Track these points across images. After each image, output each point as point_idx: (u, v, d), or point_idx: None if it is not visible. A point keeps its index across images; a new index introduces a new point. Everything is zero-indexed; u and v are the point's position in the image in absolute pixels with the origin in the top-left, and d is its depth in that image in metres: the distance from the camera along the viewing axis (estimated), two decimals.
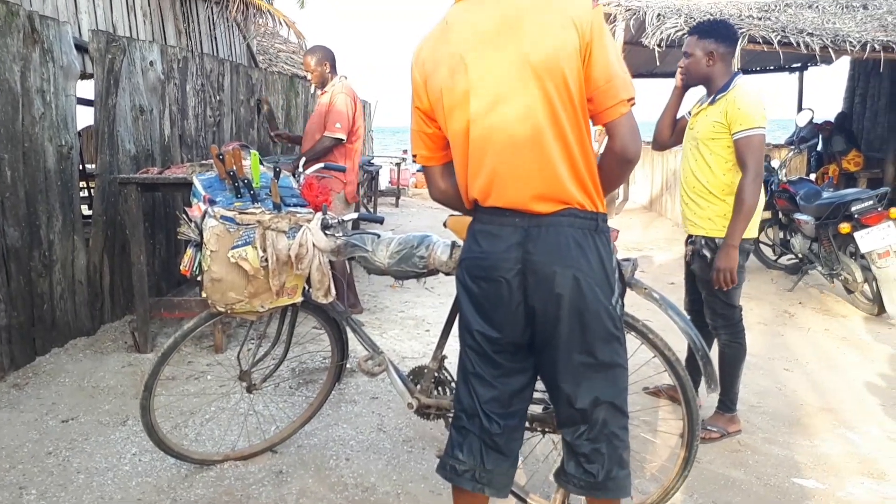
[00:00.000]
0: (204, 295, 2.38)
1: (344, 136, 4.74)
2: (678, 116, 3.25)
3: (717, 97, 2.91)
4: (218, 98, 6.26)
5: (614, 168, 1.73)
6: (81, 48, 4.68)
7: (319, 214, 2.38)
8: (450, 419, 2.37)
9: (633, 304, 2.42)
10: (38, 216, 3.92)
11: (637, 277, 2.20)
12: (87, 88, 5.03)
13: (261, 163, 2.45)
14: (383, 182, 13.84)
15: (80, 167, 6.51)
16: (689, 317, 2.27)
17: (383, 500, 2.57)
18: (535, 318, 1.70)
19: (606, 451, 1.77)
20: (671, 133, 3.25)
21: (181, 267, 2.46)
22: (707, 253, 2.97)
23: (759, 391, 3.62)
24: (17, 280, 3.75)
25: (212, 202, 2.35)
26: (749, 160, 2.81)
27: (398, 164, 12.87)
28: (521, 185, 1.67)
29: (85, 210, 5.51)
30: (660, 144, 3.33)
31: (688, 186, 3.07)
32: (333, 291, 2.41)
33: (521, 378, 1.81)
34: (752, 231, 2.96)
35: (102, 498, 2.57)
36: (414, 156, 1.90)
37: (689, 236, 3.13)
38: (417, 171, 15.69)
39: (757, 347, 4.19)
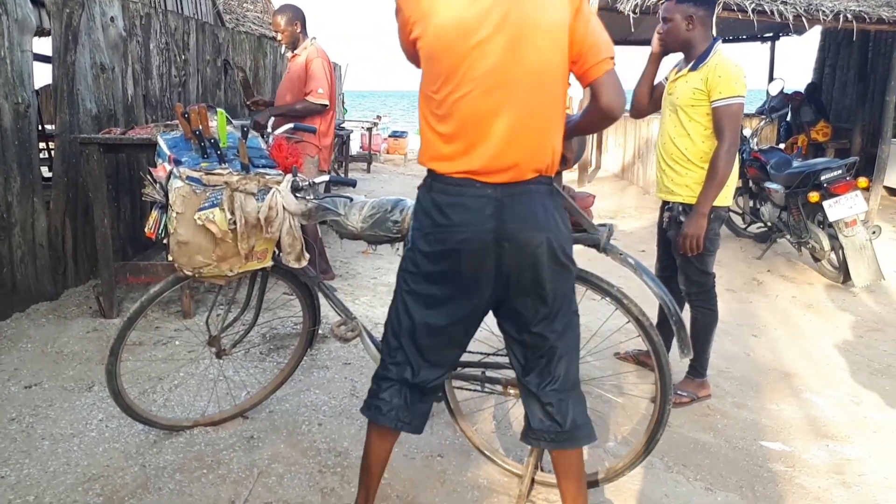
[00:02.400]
0: (170, 258, 2.31)
1: (328, 102, 4.64)
2: (655, 83, 3.22)
3: (699, 64, 2.88)
4: (183, 57, 6.06)
5: (596, 123, 1.81)
6: (38, 2, 4.47)
7: (289, 177, 2.31)
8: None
9: (606, 270, 2.41)
10: None
11: (612, 243, 2.18)
12: (44, 45, 4.82)
13: (228, 122, 2.37)
14: (354, 147, 13.67)
15: (39, 127, 6.30)
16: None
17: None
18: (507, 282, 1.75)
19: (571, 398, 1.88)
20: (649, 100, 3.22)
21: (146, 229, 2.38)
22: (684, 219, 2.97)
23: (728, 356, 3.67)
24: None
25: (177, 162, 2.26)
26: (726, 128, 2.80)
27: (370, 129, 12.68)
28: (517, 152, 1.69)
29: (45, 172, 5.34)
30: (637, 112, 3.30)
31: (665, 153, 3.05)
32: (306, 256, 2.35)
33: (451, 338, 1.86)
34: (726, 199, 2.97)
35: (68, 464, 2.51)
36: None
37: (666, 203, 3.12)
38: (389, 136, 15.53)
39: (725, 314, 4.24)
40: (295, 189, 2.32)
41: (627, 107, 3.41)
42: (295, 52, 4.79)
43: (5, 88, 3.82)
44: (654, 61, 3.12)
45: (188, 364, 3.35)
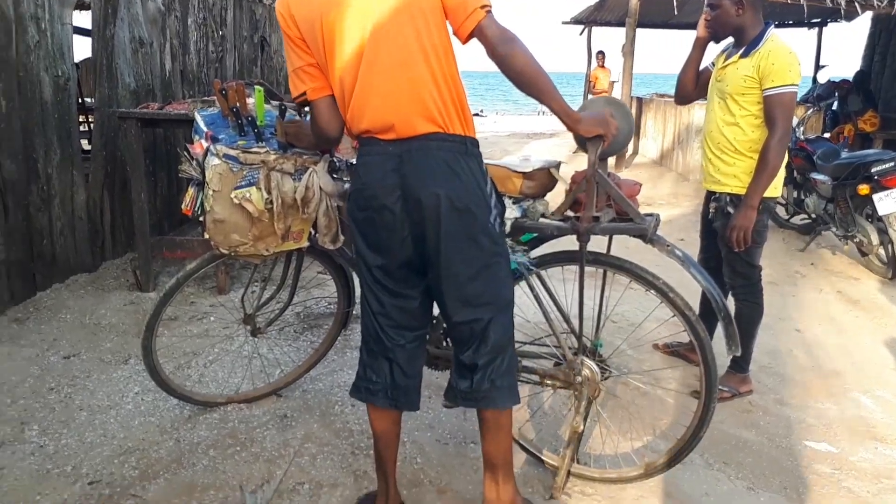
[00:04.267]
0: (206, 236, 2.29)
1: None
2: (701, 68, 3.11)
3: (751, 50, 2.75)
4: (220, 33, 6.06)
5: (511, 76, 1.74)
6: None
7: (327, 156, 2.26)
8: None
9: (648, 260, 2.34)
10: (36, 149, 3.80)
11: (660, 234, 2.10)
12: (84, 19, 4.84)
13: (266, 101, 2.33)
14: None
15: (80, 100, 6.37)
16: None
17: None
18: (422, 241, 1.78)
19: (490, 363, 1.87)
20: (695, 86, 3.10)
21: (183, 206, 2.37)
22: (732, 210, 2.86)
23: (770, 351, 3.56)
24: (14, 214, 3.65)
25: (214, 139, 2.24)
26: (778, 118, 2.68)
27: None
28: (392, 108, 1.72)
29: (84, 145, 5.39)
30: (683, 98, 3.18)
31: (712, 142, 2.94)
32: (342, 237, 2.31)
33: (414, 302, 1.91)
34: (776, 190, 2.85)
35: (105, 436, 2.53)
36: (298, 97, 1.88)
37: (712, 193, 3.01)
38: None
39: (767, 307, 4.06)
40: (332, 170, 2.28)
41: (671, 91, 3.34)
42: None
43: (46, 61, 3.84)
44: (700, 47, 2.99)
45: (223, 341, 3.36)
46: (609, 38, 13.03)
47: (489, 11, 1.71)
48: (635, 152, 11.39)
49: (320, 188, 2.24)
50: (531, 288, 2.23)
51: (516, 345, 2.31)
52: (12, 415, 2.65)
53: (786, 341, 3.74)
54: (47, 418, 2.64)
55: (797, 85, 2.69)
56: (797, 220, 6.13)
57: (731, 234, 2.79)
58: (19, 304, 3.71)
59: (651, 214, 2.11)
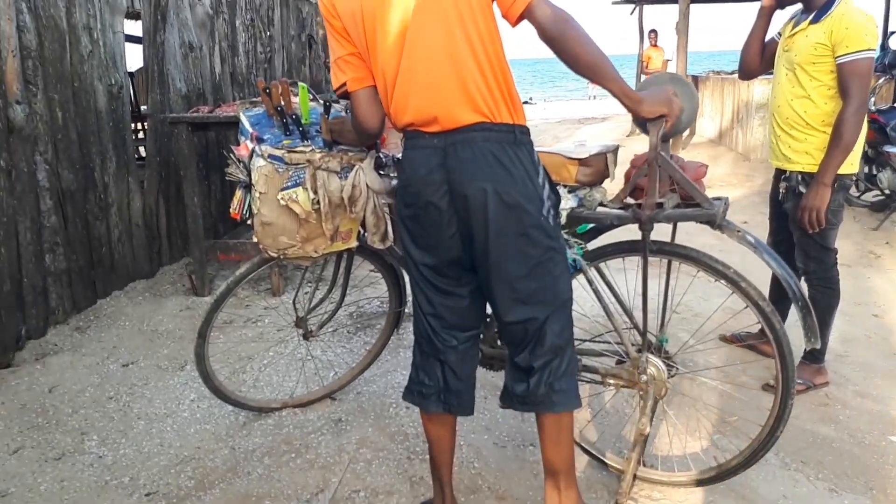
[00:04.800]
0: (255, 239, 2.25)
1: None
2: (766, 39, 2.91)
3: (822, 15, 2.56)
4: (268, 33, 6.09)
5: (566, 59, 1.63)
6: None
7: (373, 153, 2.19)
8: None
9: (708, 246, 2.19)
10: (92, 158, 3.86)
11: (729, 219, 1.96)
12: (135, 27, 4.90)
13: (311, 98, 2.27)
14: None
15: (136, 108, 6.50)
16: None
17: None
18: (470, 238, 1.70)
19: (547, 364, 1.78)
20: (761, 59, 2.91)
21: (231, 210, 2.34)
22: (804, 190, 2.68)
23: (847, 339, 3.34)
24: (74, 223, 3.72)
25: (259, 140, 2.19)
26: (853, 87, 2.48)
27: None
28: (435, 99, 1.65)
29: (142, 152, 5.49)
30: (748, 72, 2.99)
31: (781, 117, 2.75)
32: (391, 236, 2.24)
33: (464, 301, 1.83)
34: (852, 166, 2.66)
35: (162, 445, 2.54)
36: (338, 88, 1.83)
37: (782, 172, 2.83)
38: None
39: (841, 291, 3.88)
40: (379, 166, 2.21)
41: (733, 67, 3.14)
42: None
43: (99, 70, 3.89)
44: (765, 16, 2.81)
45: (277, 344, 3.34)
46: (661, 17, 12.63)
47: None
48: (693, 132, 11.01)
49: (367, 186, 2.17)
50: (589, 282, 2.11)
51: (575, 343, 2.22)
52: (73, 425, 2.69)
53: (863, 327, 3.51)
54: (106, 428, 2.66)
55: (874, 50, 2.49)
56: (870, 196, 5.79)
57: (804, 215, 2.61)
58: (81, 312, 3.78)
59: (720, 198, 1.97)
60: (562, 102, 27.12)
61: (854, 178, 2.71)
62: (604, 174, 2.05)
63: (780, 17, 2.86)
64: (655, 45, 12.00)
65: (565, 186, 2.05)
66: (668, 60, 11.65)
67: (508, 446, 2.47)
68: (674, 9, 9.50)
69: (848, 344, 3.30)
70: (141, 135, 6.63)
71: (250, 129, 2.25)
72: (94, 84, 3.86)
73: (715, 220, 1.87)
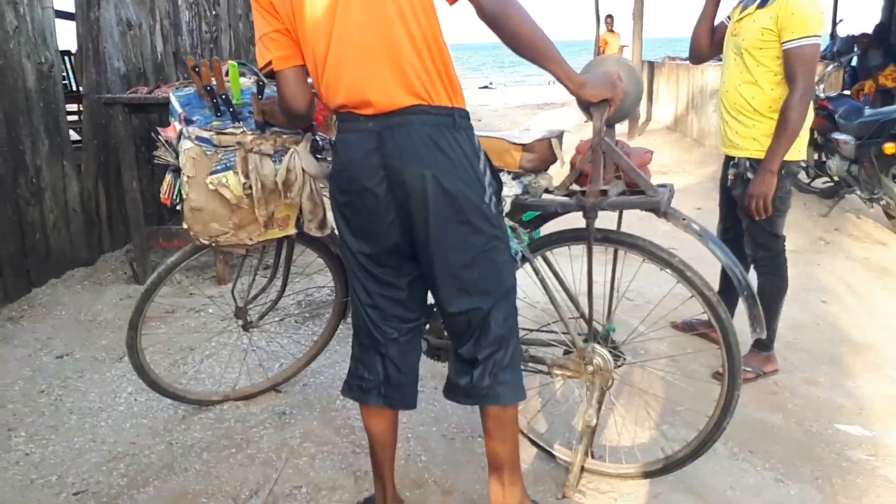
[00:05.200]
0: (185, 226, 2.14)
1: None
2: (716, 23, 2.89)
3: (769, 1, 2.53)
4: (214, 12, 5.88)
5: (505, 39, 1.56)
6: None
7: (309, 136, 2.09)
8: None
9: (663, 232, 2.15)
10: (21, 140, 3.66)
11: (674, 206, 1.92)
12: (69, 4, 4.67)
13: (252, 76, 2.15)
14: None
15: (77, 88, 6.22)
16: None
17: None
18: (409, 226, 1.63)
19: (492, 356, 1.72)
20: (710, 43, 2.88)
21: (161, 194, 2.22)
22: (752, 176, 2.66)
23: (796, 325, 3.37)
24: (3, 209, 3.53)
25: (188, 121, 2.07)
26: (799, 73, 2.46)
27: None
28: (368, 80, 1.56)
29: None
30: (697, 56, 2.96)
31: (729, 103, 2.73)
32: (330, 223, 2.15)
33: (404, 292, 1.76)
34: (799, 153, 2.65)
35: (94, 441, 2.42)
36: (263, 68, 1.71)
37: (731, 158, 2.81)
38: None
39: (790, 278, 3.92)
40: (315, 150, 2.11)
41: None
42: None
43: (27, 47, 3.69)
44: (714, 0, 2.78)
45: (220, 334, 3.22)
46: (617, 2, 12.64)
47: None
48: (648, 118, 11.09)
49: (303, 170, 2.08)
50: (535, 271, 2.06)
51: (521, 332, 2.17)
52: (0, 421, 2.54)
53: (812, 314, 3.54)
54: (35, 423, 2.53)
55: (819, 37, 2.47)
56: (819, 183, 5.88)
57: (751, 201, 2.60)
58: (14, 301, 3.60)
59: (664, 185, 1.93)
60: (522, 87, 27.14)
61: (802, 165, 2.70)
62: (549, 160, 1.99)
63: (730, 1, 2.84)
64: (612, 31, 12.03)
65: (509, 173, 1.98)
66: (623, 46, 11.69)
67: (457, 438, 2.41)
68: None
69: (797, 331, 3.33)
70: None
71: (179, 110, 2.13)
72: (21, 62, 3.65)
73: (659, 207, 1.82)
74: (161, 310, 3.53)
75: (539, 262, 2.07)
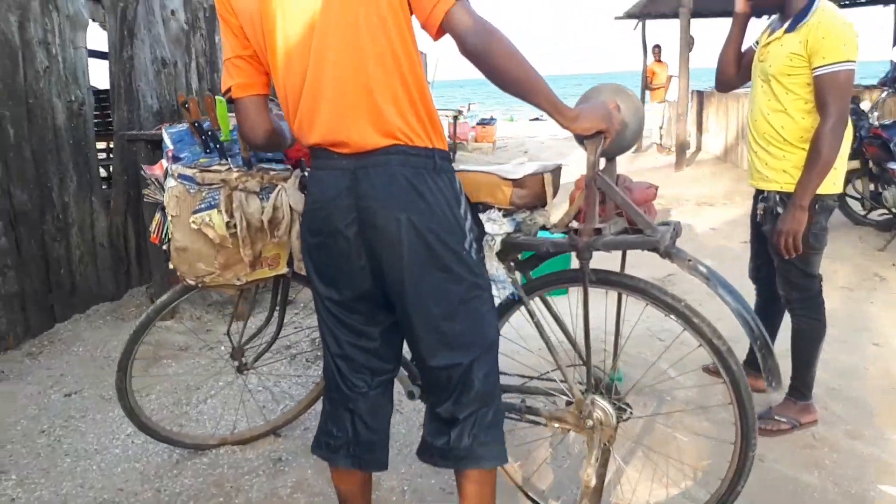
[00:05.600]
0: (171, 266, 2.08)
1: None
2: (744, 48, 2.71)
3: (798, 23, 2.35)
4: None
5: (491, 76, 1.43)
6: None
7: (297, 171, 2.01)
8: None
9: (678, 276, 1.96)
10: (49, 177, 3.72)
11: (679, 246, 1.75)
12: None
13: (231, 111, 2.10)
14: None
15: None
16: (748, 300, 1.80)
17: (386, 498, 2.25)
18: (382, 273, 1.52)
19: (473, 414, 1.60)
20: (737, 69, 2.70)
21: (150, 233, 2.17)
22: (781, 211, 2.46)
23: (841, 371, 3.09)
24: (28, 244, 3.57)
25: (175, 158, 2.02)
26: (831, 101, 2.27)
27: (455, 118, 12.37)
28: (344, 120, 1.46)
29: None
30: (723, 83, 2.79)
31: (757, 132, 2.54)
32: None
33: (375, 342, 1.64)
34: (834, 185, 2.43)
35: (83, 486, 2.35)
36: (226, 91, 1.63)
37: (759, 192, 2.61)
38: (477, 124, 15.18)
39: (840, 317, 3.64)
40: (304, 186, 2.03)
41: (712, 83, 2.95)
42: None
43: (58, 87, 3.77)
44: (740, 23, 2.61)
45: (221, 375, 3.14)
46: (665, 32, 12.43)
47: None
48: (698, 149, 10.78)
49: (291, 208, 1.99)
50: (530, 314, 1.91)
51: (520, 380, 2.03)
52: None
53: (861, 358, 3.26)
54: (29, 466, 2.48)
55: (853, 62, 2.27)
56: (875, 215, 5.53)
57: (780, 239, 2.39)
58: (35, 336, 3.63)
59: (667, 223, 1.76)
60: None
61: (853, 195, 2.48)
62: (542, 196, 1.85)
63: (759, 25, 2.67)
64: (659, 61, 11.81)
65: (500, 209, 1.85)
66: (672, 76, 11.45)
67: (455, 493, 2.25)
68: (678, 23, 9.30)
69: (842, 377, 3.06)
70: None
71: (169, 146, 2.08)
72: (52, 101, 3.73)
73: (658, 247, 1.66)
74: (175, 345, 3.49)
75: (536, 304, 1.92)
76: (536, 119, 28.40)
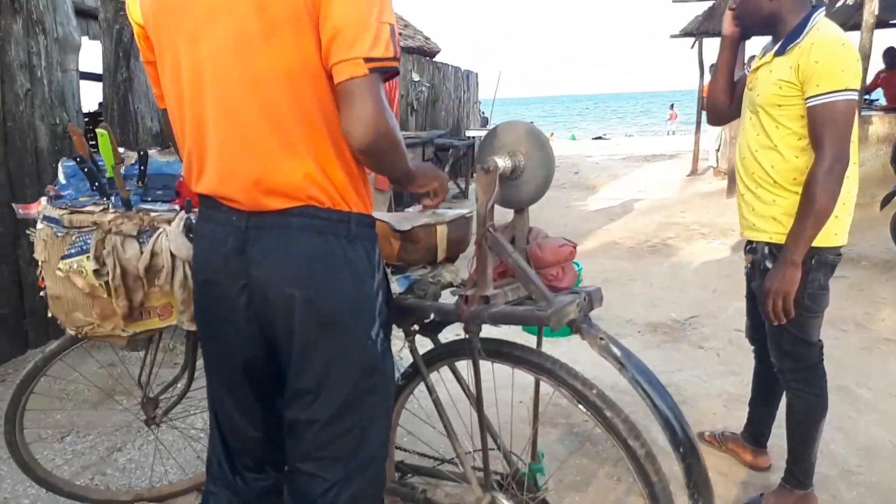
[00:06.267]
0: (50, 314, 1.88)
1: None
2: (738, 77, 2.36)
3: (789, 44, 1.98)
4: None
5: (361, 160, 1.19)
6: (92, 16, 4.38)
7: (182, 214, 1.78)
8: None
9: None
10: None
11: (593, 320, 1.42)
12: None
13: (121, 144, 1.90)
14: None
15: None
16: (668, 390, 1.45)
17: None
18: (272, 352, 1.31)
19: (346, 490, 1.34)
20: (729, 99, 2.33)
21: (38, 278, 1.98)
22: (770, 266, 2.08)
23: (866, 447, 2.64)
24: (0, 269, 3.49)
25: (57, 196, 1.83)
26: (827, 137, 1.88)
27: None
28: (233, 174, 1.23)
29: None
30: (716, 116, 2.42)
31: (745, 172, 2.17)
32: None
33: (265, 420, 1.41)
34: (836, 236, 2.03)
35: None
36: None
37: (748, 242, 2.24)
38: None
39: (875, 377, 3.16)
40: (190, 230, 1.79)
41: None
42: None
43: (41, 109, 3.70)
44: (729, 46, 2.26)
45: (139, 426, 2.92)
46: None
47: (379, 71, 1.13)
48: None
49: (172, 254, 1.76)
50: (429, 390, 1.61)
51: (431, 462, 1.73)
52: None
53: (891, 431, 2.78)
54: None
55: (854, 91, 1.88)
56: None
57: (767, 300, 2.01)
58: (6, 362, 3.53)
59: (577, 292, 1.44)
60: (640, 138, 26.32)
61: (840, 254, 2.08)
62: (435, 252, 1.56)
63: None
64: None
65: (389, 266, 1.57)
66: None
67: None
68: None
69: (865, 455, 2.60)
70: None
71: (61, 181, 1.90)
72: (34, 124, 3.66)
73: (548, 322, 1.32)
74: (87, 393, 3.31)
75: (434, 378, 1.62)
76: (599, 138, 27.83)
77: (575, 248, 1.52)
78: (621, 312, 4.48)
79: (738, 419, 2.70)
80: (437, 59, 12.05)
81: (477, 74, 13.22)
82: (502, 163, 1.37)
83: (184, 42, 1.23)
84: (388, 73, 1.15)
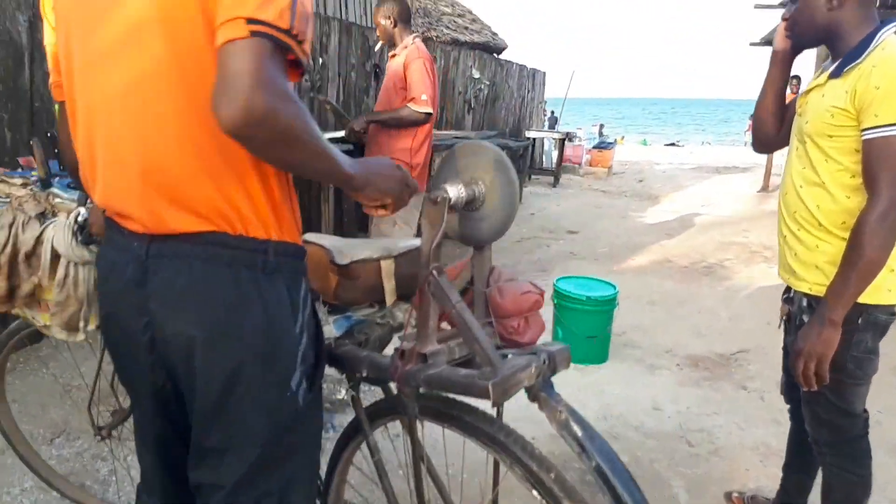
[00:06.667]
0: None
1: (431, 110, 3.91)
2: (789, 99, 2.04)
3: (848, 64, 1.66)
4: (320, 60, 5.75)
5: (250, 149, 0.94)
6: None
7: (82, 210, 1.57)
8: None
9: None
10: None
11: (552, 389, 1.17)
12: None
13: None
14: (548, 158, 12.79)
15: None
16: (630, 473, 1.14)
17: None
18: (176, 394, 1.14)
19: None
20: (779, 123, 2.01)
21: None
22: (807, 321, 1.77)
23: None
24: None
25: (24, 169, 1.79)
26: (883, 176, 1.56)
27: (562, 141, 11.72)
28: (128, 189, 1.04)
29: None
30: (762, 142, 2.09)
31: (787, 210, 1.85)
32: (83, 326, 1.65)
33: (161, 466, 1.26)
34: (889, 293, 1.70)
35: None
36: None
37: (787, 289, 1.92)
38: (594, 147, 14.37)
39: None
40: (82, 228, 1.60)
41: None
42: (393, 51, 4.13)
43: None
44: (779, 63, 1.94)
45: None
46: (804, 61, 11.13)
47: (264, 37, 0.88)
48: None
49: (53, 246, 1.61)
50: (371, 451, 1.39)
51: None
52: None
53: None
54: None
55: None
56: None
57: (798, 362, 1.70)
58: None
59: (547, 348, 1.18)
60: (716, 147, 25.32)
61: (894, 313, 1.74)
62: (379, 291, 1.33)
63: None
64: (797, 93, 10.53)
65: (325, 304, 1.35)
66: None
67: None
68: (814, 53, 8.18)
69: None
70: None
71: None
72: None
73: (487, 396, 1.07)
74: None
75: (376, 438, 1.40)
76: (672, 144, 26.88)
77: (542, 295, 1.26)
78: (662, 340, 4.15)
79: (774, 478, 2.38)
80: (504, 56, 11.75)
81: (544, 73, 12.83)
82: (455, 192, 1.13)
83: (78, 29, 1.06)
84: (283, 52, 0.91)
